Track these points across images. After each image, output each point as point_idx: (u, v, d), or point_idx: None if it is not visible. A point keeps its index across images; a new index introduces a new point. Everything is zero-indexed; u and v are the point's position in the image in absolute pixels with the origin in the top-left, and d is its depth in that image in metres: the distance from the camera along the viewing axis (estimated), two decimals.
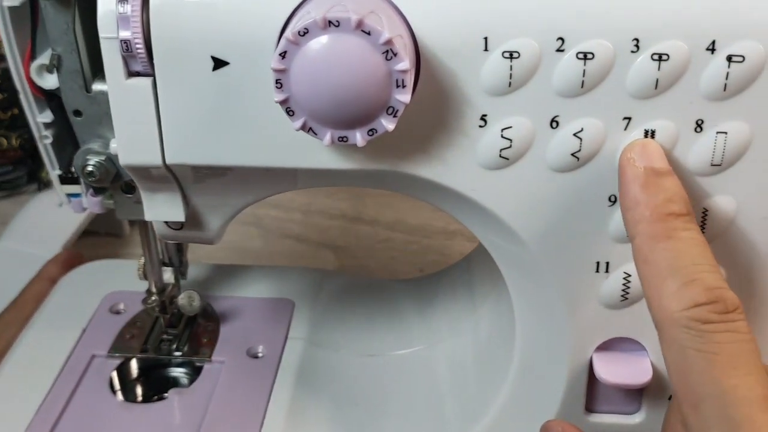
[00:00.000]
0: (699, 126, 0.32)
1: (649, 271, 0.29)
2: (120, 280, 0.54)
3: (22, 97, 0.40)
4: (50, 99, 0.39)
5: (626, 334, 0.37)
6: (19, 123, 0.68)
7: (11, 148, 0.69)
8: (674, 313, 0.28)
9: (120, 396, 0.47)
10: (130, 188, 0.41)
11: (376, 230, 0.68)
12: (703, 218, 0.34)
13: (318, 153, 0.33)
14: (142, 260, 0.49)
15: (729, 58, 0.31)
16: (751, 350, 0.28)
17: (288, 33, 0.28)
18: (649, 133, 0.32)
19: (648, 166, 0.31)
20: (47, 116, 0.40)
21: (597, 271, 0.36)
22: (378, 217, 0.69)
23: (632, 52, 0.31)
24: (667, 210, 0.30)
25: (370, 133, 0.30)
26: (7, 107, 0.67)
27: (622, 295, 0.36)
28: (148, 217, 0.37)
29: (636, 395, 0.39)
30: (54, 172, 0.42)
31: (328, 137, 0.30)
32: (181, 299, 0.49)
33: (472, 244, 0.65)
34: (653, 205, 0.30)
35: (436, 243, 0.66)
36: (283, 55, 0.29)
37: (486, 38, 0.31)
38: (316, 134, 0.30)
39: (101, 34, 0.31)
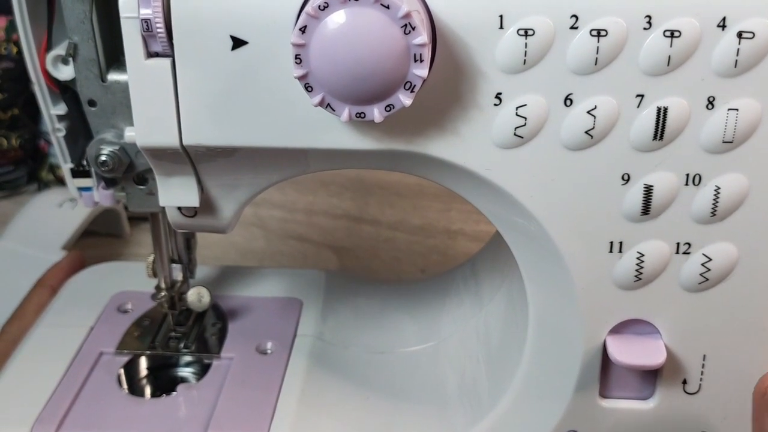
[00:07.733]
0: (711, 103, 0.33)
1: None
2: (126, 281, 0.54)
3: (36, 88, 0.40)
4: (64, 91, 0.39)
5: (640, 315, 0.37)
6: (19, 123, 0.68)
7: (11, 148, 0.69)
8: None
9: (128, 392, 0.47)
10: (142, 180, 0.41)
11: (379, 230, 0.68)
12: (716, 196, 0.34)
13: (334, 132, 0.33)
14: (152, 258, 0.49)
15: (739, 35, 0.31)
16: None
17: (308, 7, 0.29)
18: (662, 110, 0.33)
19: None
20: (61, 108, 0.40)
21: (611, 251, 0.36)
22: (380, 217, 0.69)
23: (645, 29, 0.32)
24: None
25: (388, 108, 0.30)
26: (7, 107, 0.67)
27: (636, 276, 0.36)
28: (162, 202, 0.37)
29: (650, 379, 0.39)
30: (66, 166, 0.42)
31: (345, 113, 0.30)
32: (191, 295, 0.49)
33: (474, 244, 0.65)
34: None
35: (438, 243, 0.66)
36: (303, 29, 0.29)
37: (501, 16, 0.31)
38: (333, 110, 0.31)
39: (122, 14, 0.31)
